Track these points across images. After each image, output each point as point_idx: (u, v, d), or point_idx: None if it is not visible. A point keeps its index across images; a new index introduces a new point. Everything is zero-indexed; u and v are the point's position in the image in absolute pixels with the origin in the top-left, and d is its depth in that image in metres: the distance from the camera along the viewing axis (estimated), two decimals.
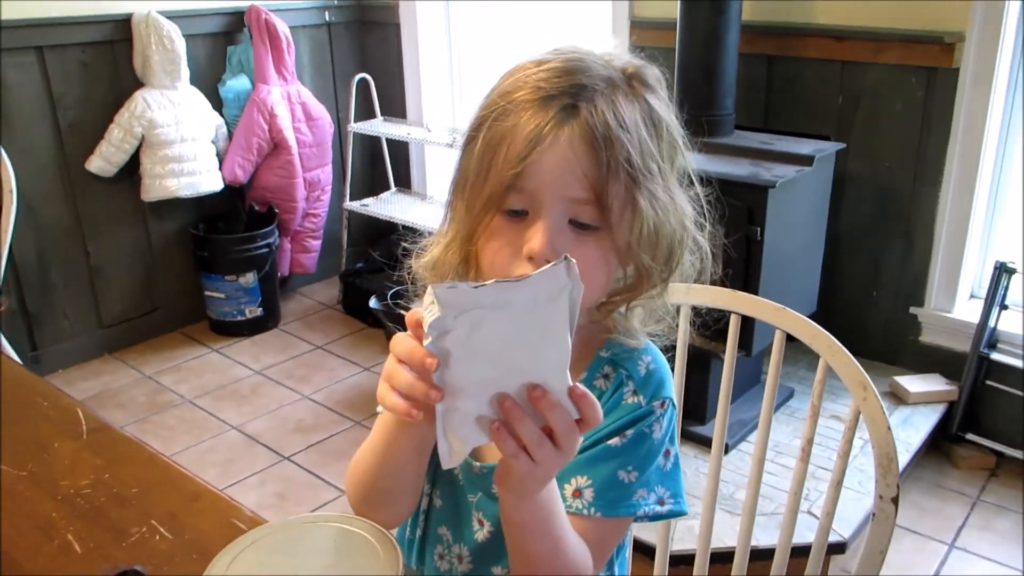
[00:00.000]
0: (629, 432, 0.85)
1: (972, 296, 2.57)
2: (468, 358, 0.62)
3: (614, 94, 0.78)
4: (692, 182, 0.87)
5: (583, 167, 0.76)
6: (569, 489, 0.84)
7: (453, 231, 0.85)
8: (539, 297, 0.62)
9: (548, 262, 0.75)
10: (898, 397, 2.48)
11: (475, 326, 0.61)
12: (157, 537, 0.90)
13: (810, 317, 1.10)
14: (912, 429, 2.34)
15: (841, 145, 2.38)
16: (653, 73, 0.84)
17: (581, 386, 0.65)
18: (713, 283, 0.94)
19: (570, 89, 0.77)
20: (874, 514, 1.03)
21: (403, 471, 0.85)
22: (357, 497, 0.88)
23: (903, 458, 2.23)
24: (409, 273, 0.90)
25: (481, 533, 0.92)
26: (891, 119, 2.47)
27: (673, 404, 0.88)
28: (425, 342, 0.61)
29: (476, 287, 0.60)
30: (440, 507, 0.96)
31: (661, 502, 0.86)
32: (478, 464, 0.90)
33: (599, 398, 0.86)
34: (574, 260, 0.62)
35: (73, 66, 2.89)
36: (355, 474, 0.87)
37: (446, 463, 0.66)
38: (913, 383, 2.48)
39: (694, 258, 0.87)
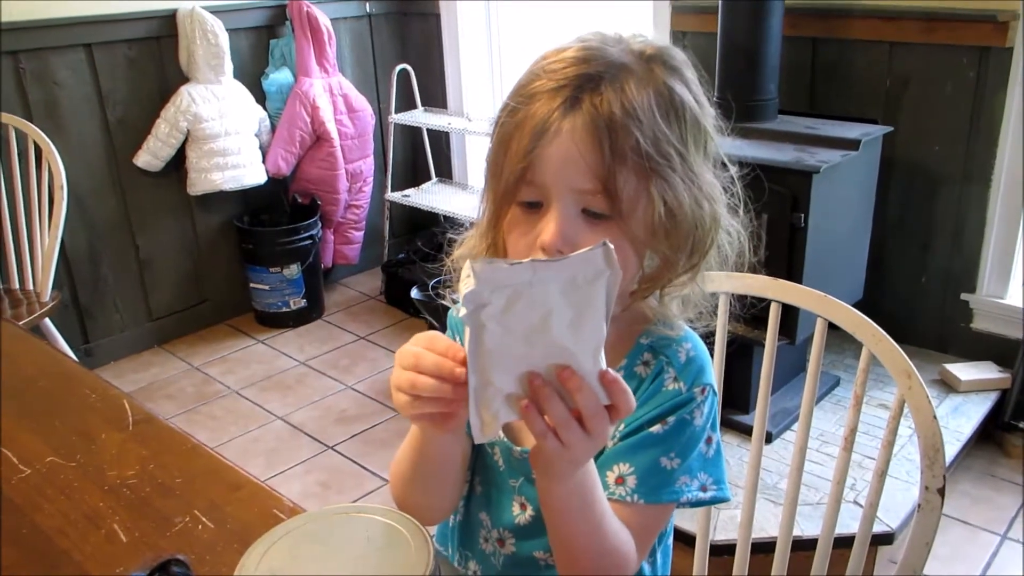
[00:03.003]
0: (670, 419, 0.84)
1: None
2: (502, 333, 0.63)
3: (625, 81, 0.77)
4: (725, 165, 0.86)
5: (587, 158, 0.75)
6: (611, 476, 0.84)
7: (484, 222, 0.86)
8: (576, 279, 0.62)
9: (560, 253, 0.75)
10: (948, 385, 2.43)
11: (511, 302, 0.62)
12: (200, 527, 0.92)
13: (857, 304, 1.08)
14: (963, 418, 2.29)
15: (888, 128, 2.33)
16: (676, 55, 0.82)
17: (612, 372, 0.65)
18: (751, 268, 0.92)
19: (576, 80, 0.76)
20: (920, 505, 1.01)
21: (438, 474, 0.88)
22: (399, 499, 0.91)
23: (953, 447, 2.18)
24: (450, 263, 0.91)
25: (523, 517, 0.92)
26: (941, 101, 2.41)
27: (714, 391, 0.88)
28: (460, 313, 0.62)
29: (512, 264, 0.61)
30: (480, 493, 0.97)
31: (704, 488, 0.86)
32: (518, 449, 0.91)
33: (639, 385, 0.87)
34: (612, 246, 0.62)
35: (120, 62, 2.94)
36: (395, 478, 0.91)
37: (478, 438, 0.67)
38: (964, 371, 2.43)
39: (731, 239, 0.86)
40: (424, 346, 0.70)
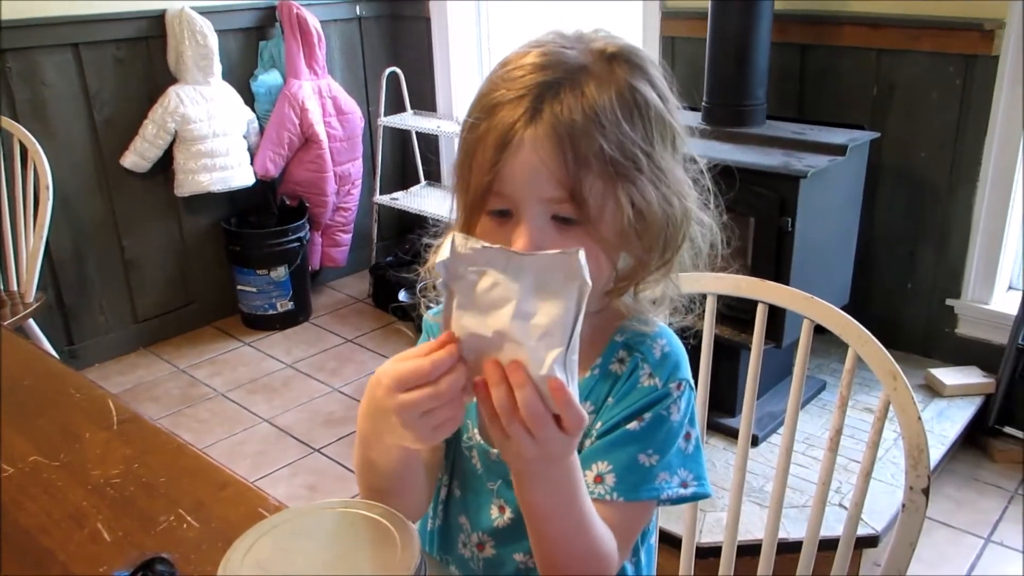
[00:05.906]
0: (647, 415, 0.84)
1: (1011, 288, 2.52)
2: (466, 307, 0.65)
3: (585, 84, 0.76)
4: (694, 160, 0.86)
5: (551, 167, 0.75)
6: (590, 475, 0.84)
7: (456, 230, 0.85)
8: (548, 281, 0.64)
9: None
10: (933, 390, 2.44)
11: (483, 281, 0.65)
12: (184, 525, 0.92)
13: (843, 309, 1.09)
14: (948, 422, 2.31)
15: (875, 134, 2.34)
16: (639, 52, 0.82)
17: (560, 381, 0.63)
18: (724, 260, 0.92)
19: (536, 88, 0.76)
20: (904, 505, 1.01)
21: (398, 485, 0.84)
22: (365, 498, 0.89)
23: (938, 451, 2.19)
24: (426, 270, 0.90)
25: (501, 520, 0.92)
26: (928, 108, 2.42)
27: (691, 386, 0.88)
28: (438, 281, 0.66)
29: (486, 247, 0.65)
30: (459, 497, 0.96)
31: (684, 484, 0.86)
32: (495, 452, 0.90)
33: (615, 383, 0.87)
34: (583, 255, 0.63)
35: (108, 62, 2.93)
36: (360, 489, 0.88)
37: None
38: (949, 376, 2.44)
39: (703, 230, 0.86)
40: (402, 359, 0.68)
